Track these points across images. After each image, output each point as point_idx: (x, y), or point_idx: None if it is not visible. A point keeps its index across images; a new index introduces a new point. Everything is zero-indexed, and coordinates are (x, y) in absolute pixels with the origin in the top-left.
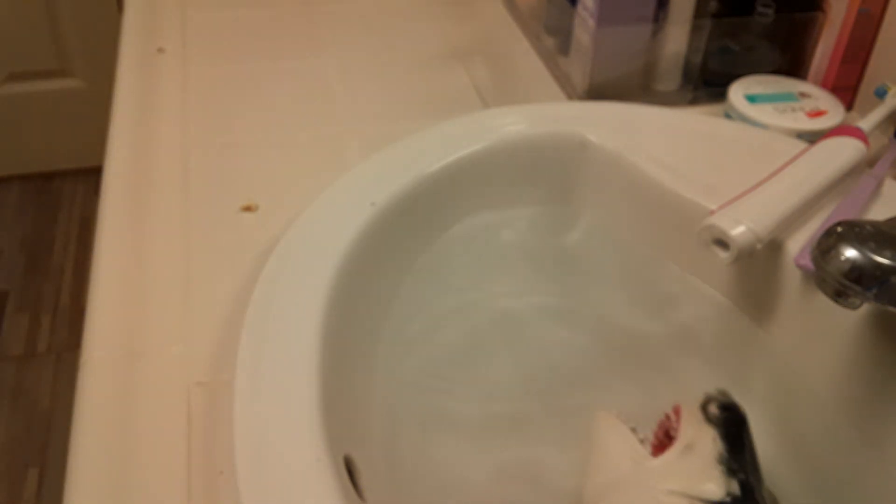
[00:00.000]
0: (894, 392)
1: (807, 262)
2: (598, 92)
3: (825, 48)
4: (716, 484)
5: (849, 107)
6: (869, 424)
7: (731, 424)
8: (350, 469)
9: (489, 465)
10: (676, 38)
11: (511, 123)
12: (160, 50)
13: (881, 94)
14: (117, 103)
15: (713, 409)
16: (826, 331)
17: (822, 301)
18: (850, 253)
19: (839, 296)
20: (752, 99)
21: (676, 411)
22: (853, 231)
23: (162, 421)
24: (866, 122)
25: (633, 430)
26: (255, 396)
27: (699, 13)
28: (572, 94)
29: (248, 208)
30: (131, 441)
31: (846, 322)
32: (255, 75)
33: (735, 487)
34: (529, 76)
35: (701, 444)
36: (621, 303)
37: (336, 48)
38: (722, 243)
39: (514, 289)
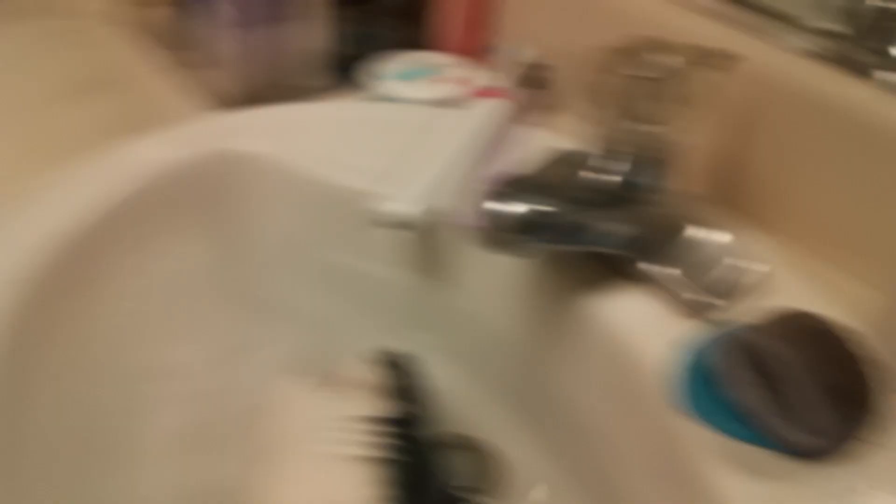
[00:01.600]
0: (561, 313)
1: (474, 220)
2: (247, 99)
3: (452, 18)
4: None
5: (484, 69)
6: (544, 344)
7: (393, 366)
8: None
9: None
10: (314, 33)
11: (156, 152)
12: None
13: (509, 52)
14: None
15: (377, 360)
16: (502, 279)
17: (496, 255)
18: (516, 207)
19: (513, 248)
20: (398, 77)
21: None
22: (514, 185)
23: None
24: (503, 80)
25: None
26: None
27: (329, 4)
28: (222, 106)
29: None
30: None
31: (511, 264)
32: None
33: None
34: (171, 95)
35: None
36: (321, 307)
37: None
38: (400, 223)
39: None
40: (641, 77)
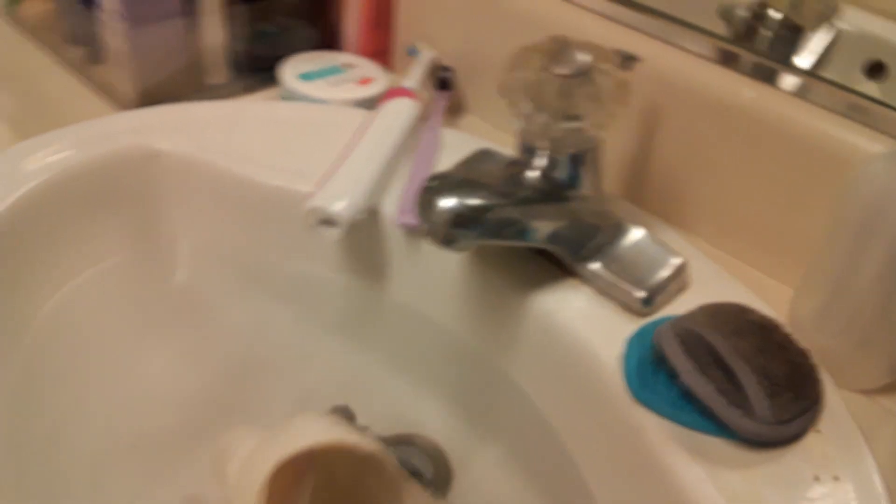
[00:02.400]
0: (502, 310)
1: (407, 219)
2: (148, 97)
3: (353, 18)
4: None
5: (389, 69)
6: (489, 341)
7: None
8: None
9: None
10: (213, 29)
11: (57, 152)
12: None
13: (413, 52)
14: None
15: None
16: (434, 274)
17: (428, 249)
18: (448, 203)
19: (449, 243)
20: (303, 77)
21: None
22: (444, 182)
23: None
24: (410, 81)
25: None
26: None
27: (229, 1)
28: (121, 105)
29: None
30: None
31: (449, 262)
32: None
33: None
34: (63, 95)
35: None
36: (250, 311)
37: None
38: (327, 222)
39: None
40: (554, 74)
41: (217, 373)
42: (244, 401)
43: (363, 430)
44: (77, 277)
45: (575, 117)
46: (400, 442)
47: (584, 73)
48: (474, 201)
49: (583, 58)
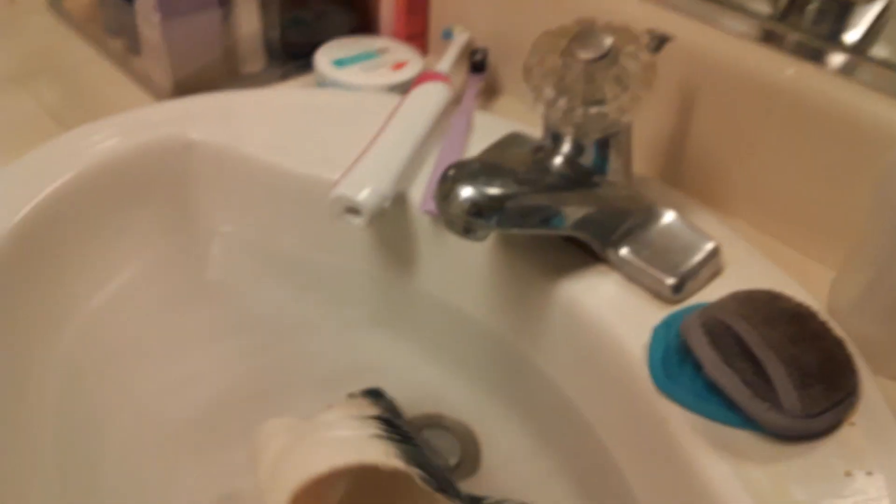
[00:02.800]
0: (530, 298)
1: (430, 206)
2: (184, 87)
3: (389, 2)
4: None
5: (424, 53)
6: (516, 328)
7: (374, 395)
8: None
9: None
10: (248, 17)
11: (101, 140)
12: None
13: (448, 35)
14: None
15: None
16: (462, 262)
17: (453, 238)
18: (467, 192)
19: (467, 232)
20: (338, 63)
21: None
22: (463, 171)
23: None
24: (444, 64)
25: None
26: None
27: None
28: (159, 95)
29: None
30: None
31: (477, 250)
32: None
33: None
34: (105, 85)
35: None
36: (281, 300)
37: None
38: (353, 210)
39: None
40: (578, 58)
41: (250, 361)
42: (277, 389)
43: (394, 411)
44: (117, 267)
45: (599, 102)
46: (429, 423)
47: (608, 56)
48: (493, 190)
49: (608, 40)
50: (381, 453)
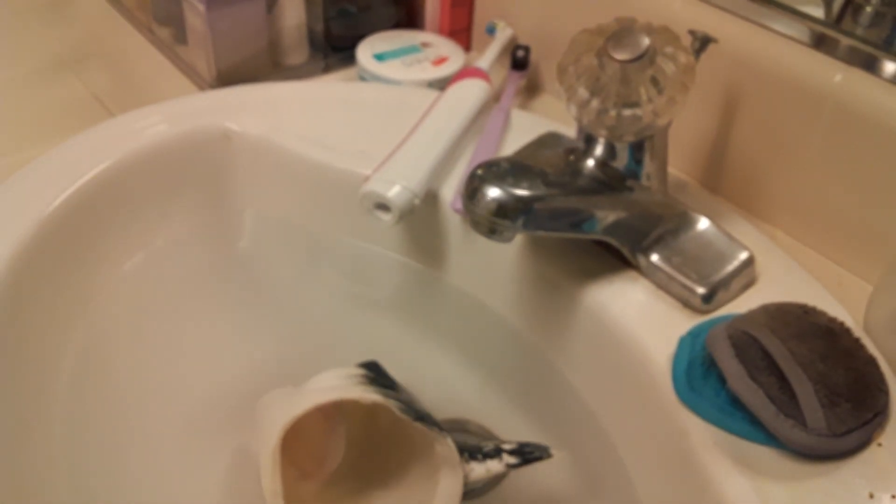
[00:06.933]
0: (557, 300)
1: (460, 206)
2: (227, 77)
3: None
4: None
5: (467, 48)
6: (541, 330)
7: (370, 367)
8: None
9: None
10: (292, 9)
11: (148, 126)
12: None
13: (491, 31)
14: None
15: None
16: (492, 261)
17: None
18: (493, 192)
19: (493, 233)
20: (379, 57)
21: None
22: (491, 171)
23: None
24: (485, 61)
25: None
26: None
27: None
28: (202, 84)
29: None
30: None
31: (507, 250)
32: None
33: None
34: (152, 72)
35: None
36: (312, 288)
37: None
38: (383, 206)
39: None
40: (613, 58)
41: (275, 342)
42: (299, 371)
43: (391, 387)
44: (149, 246)
45: (633, 104)
46: (453, 427)
47: (645, 57)
48: (520, 191)
49: (645, 41)
50: (361, 392)
